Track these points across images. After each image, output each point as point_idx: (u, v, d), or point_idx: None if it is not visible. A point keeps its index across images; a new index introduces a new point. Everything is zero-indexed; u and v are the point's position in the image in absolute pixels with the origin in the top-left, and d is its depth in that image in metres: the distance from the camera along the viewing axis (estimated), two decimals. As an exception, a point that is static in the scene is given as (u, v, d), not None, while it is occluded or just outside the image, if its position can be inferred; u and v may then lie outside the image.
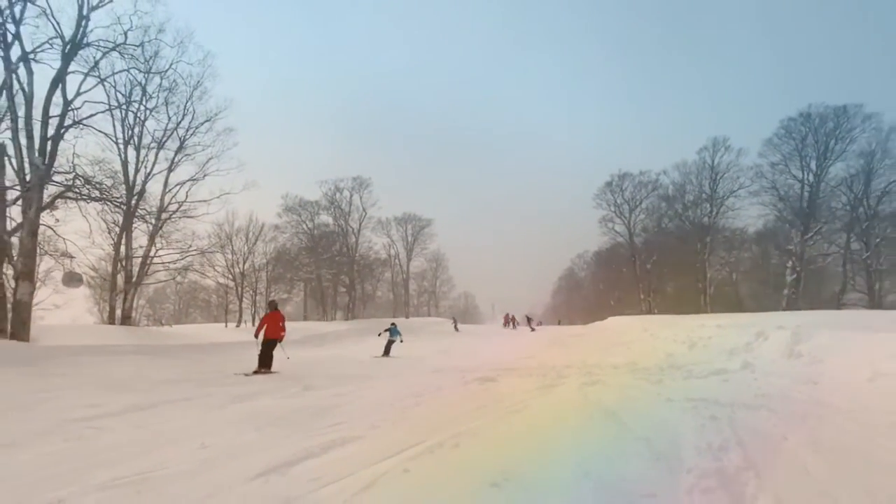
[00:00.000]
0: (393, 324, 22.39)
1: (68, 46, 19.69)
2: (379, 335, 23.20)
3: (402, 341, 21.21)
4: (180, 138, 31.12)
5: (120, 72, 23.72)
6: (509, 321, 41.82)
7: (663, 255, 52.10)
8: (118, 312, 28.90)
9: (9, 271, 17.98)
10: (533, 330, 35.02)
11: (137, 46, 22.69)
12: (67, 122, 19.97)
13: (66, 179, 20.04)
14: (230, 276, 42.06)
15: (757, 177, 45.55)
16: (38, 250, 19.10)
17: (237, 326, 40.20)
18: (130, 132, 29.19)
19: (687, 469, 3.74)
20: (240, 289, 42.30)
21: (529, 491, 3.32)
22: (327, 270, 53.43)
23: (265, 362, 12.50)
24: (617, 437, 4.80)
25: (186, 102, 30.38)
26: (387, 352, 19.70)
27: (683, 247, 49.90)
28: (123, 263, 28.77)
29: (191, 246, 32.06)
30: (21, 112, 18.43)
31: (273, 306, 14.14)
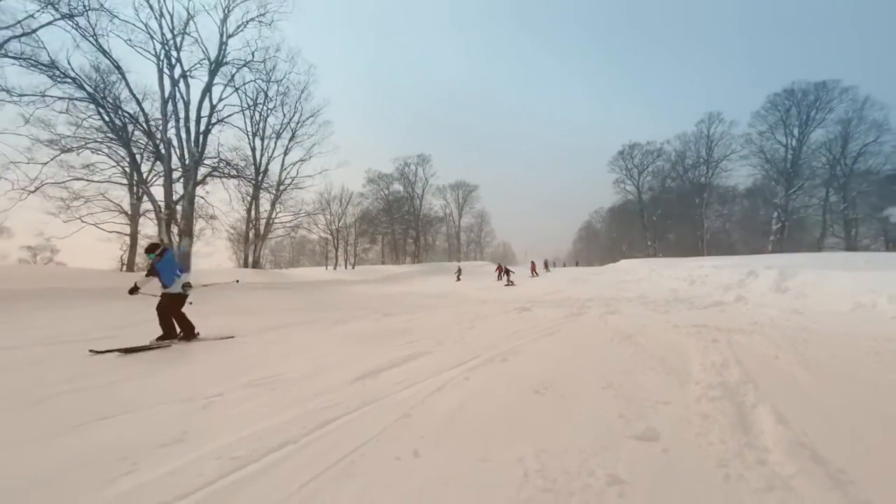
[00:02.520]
0: (459, 268, 26.69)
1: (213, 65, 20.81)
2: (458, 278, 25.55)
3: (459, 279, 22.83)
4: (292, 130, 32.27)
5: (249, 82, 24.85)
6: (502, 273, 26.11)
7: (667, 209, 50.62)
8: (250, 259, 30.50)
9: (174, 229, 19.05)
10: (535, 275, 29.08)
11: (261, 62, 23.75)
12: (213, 120, 21.10)
13: (213, 162, 21.36)
14: (328, 231, 43.27)
15: (746, 143, 44.24)
16: (194, 214, 20.13)
17: (334, 269, 41.57)
18: (257, 126, 30.54)
19: (695, 382, 3.54)
20: (335, 241, 43.51)
21: (563, 397, 3.24)
22: (399, 226, 55.05)
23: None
24: (634, 355, 4.61)
25: (296, 103, 31.39)
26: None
27: (684, 202, 48.52)
28: (253, 223, 30.52)
29: (300, 210, 33.50)
30: (181, 115, 19.69)
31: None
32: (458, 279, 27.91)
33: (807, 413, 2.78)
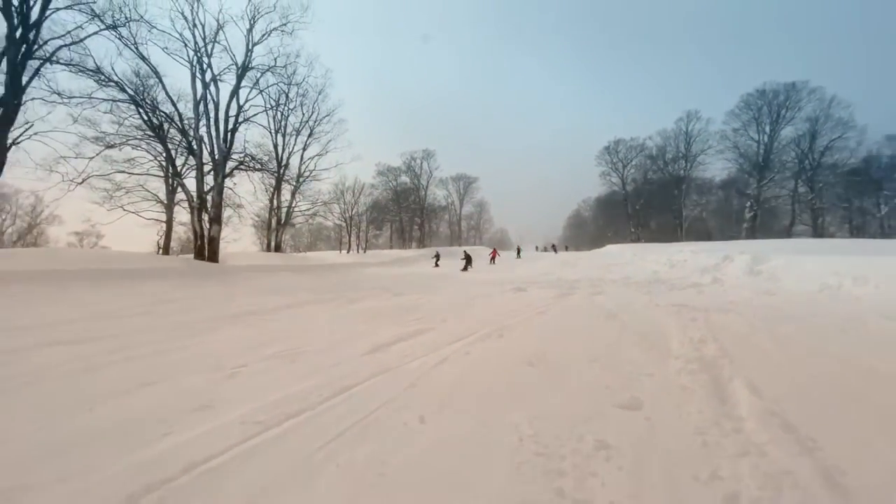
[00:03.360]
0: (465, 251, 24.57)
1: (240, 70, 20.89)
2: (465, 265, 22.76)
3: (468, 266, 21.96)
4: (310, 128, 32.42)
5: (272, 85, 24.70)
6: (495, 257, 27.64)
7: (648, 199, 50.41)
8: (272, 243, 30.67)
9: (205, 217, 19.10)
10: (493, 263, 26.15)
11: (283, 67, 23.72)
12: (240, 119, 21.06)
13: (239, 157, 21.29)
14: (343, 219, 43.21)
15: (722, 139, 44.06)
16: (223, 203, 20.23)
17: (347, 252, 41.65)
18: (279, 124, 30.64)
19: (675, 356, 3.51)
20: (349, 227, 43.46)
21: (554, 370, 3.21)
22: (406, 215, 54.99)
23: None
24: (618, 332, 4.58)
25: (314, 103, 31.63)
26: (466, 268, 20.99)
27: (664, 193, 48.33)
28: (275, 211, 30.71)
29: (318, 199, 33.80)
30: (212, 115, 19.81)
31: None
32: (437, 265, 24.83)
33: (778, 385, 2.75)
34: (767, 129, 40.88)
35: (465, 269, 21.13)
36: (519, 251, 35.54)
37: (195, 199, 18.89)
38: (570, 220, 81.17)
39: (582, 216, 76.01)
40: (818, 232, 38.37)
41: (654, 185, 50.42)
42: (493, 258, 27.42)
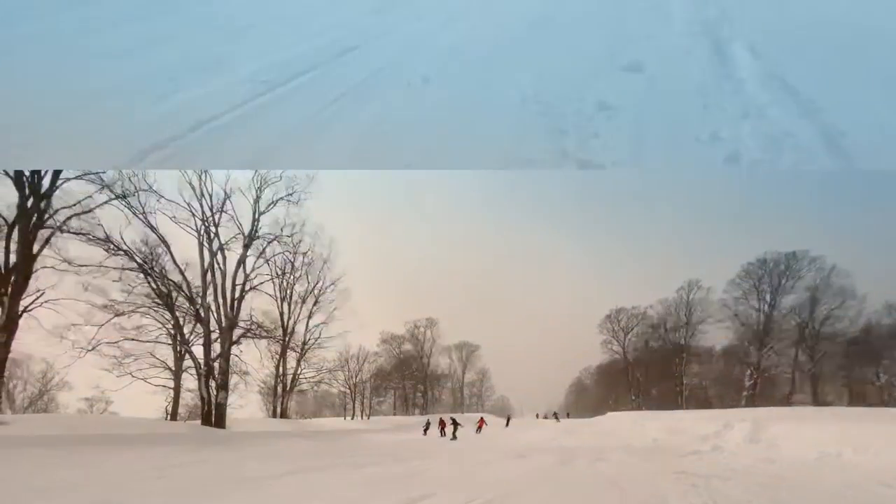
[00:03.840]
0: (452, 418, 20.58)
1: (246, 239, 20.51)
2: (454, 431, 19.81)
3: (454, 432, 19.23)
4: (315, 296, 31.44)
5: (278, 254, 24.19)
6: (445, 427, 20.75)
7: (649, 367, 48.44)
8: (278, 410, 28.73)
9: (212, 383, 18.26)
10: (557, 419, 25.15)
11: (289, 237, 23.43)
12: (246, 288, 20.65)
13: (246, 325, 20.66)
14: (347, 386, 41.38)
15: (722, 308, 41.94)
16: (229, 370, 19.29)
17: (351, 419, 38.58)
18: (284, 293, 29.83)
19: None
20: (353, 394, 41.36)
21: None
22: (409, 382, 52.56)
23: None
24: (619, 499, 4.38)
25: (319, 272, 30.63)
26: (454, 436, 18.28)
27: (665, 361, 46.52)
28: (281, 378, 29.18)
29: (323, 367, 32.28)
30: (219, 283, 19.36)
31: None
32: (425, 433, 21.76)
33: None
34: (768, 297, 39.36)
35: (452, 435, 18.60)
36: (508, 420, 31.89)
37: (202, 366, 18.14)
38: (571, 387, 76.96)
39: (583, 384, 72.32)
40: (818, 400, 36.09)
41: (656, 353, 48.72)
42: (479, 427, 23.54)
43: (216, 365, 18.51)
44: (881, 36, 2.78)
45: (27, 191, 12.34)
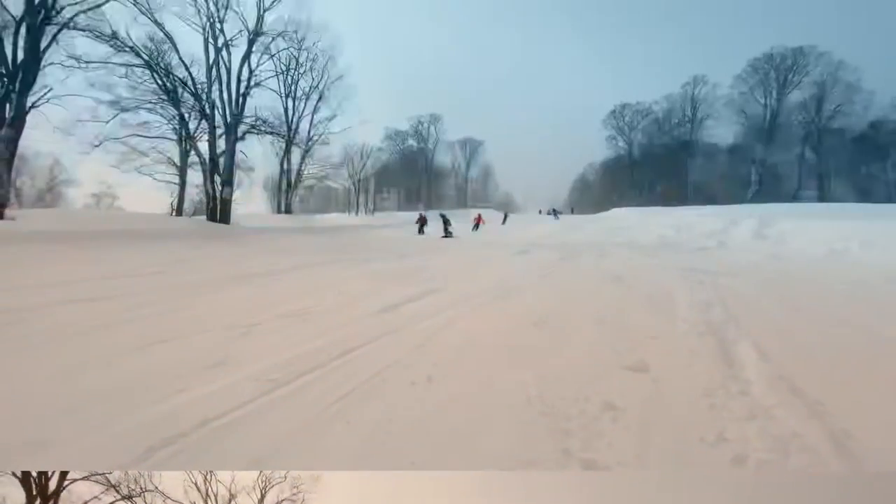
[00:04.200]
0: (442, 214, 20.28)
1: (251, 35, 20.95)
2: (445, 228, 18.95)
3: (445, 229, 18.46)
4: (320, 92, 32.36)
5: (282, 50, 24.87)
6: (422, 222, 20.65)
7: (654, 163, 49.44)
8: (282, 205, 30.83)
9: (217, 179, 19.16)
10: (556, 216, 23.97)
11: (294, 32, 24.06)
12: (251, 84, 21.28)
13: (251, 121, 21.45)
14: (351, 182, 42.99)
15: (728, 103, 43.07)
16: (235, 166, 20.30)
17: (356, 215, 41.69)
18: (289, 89, 31.00)
19: (682, 319, 3.45)
20: (357, 190, 43.32)
21: (560, 330, 3.18)
22: (413, 177, 54.50)
23: None
24: (624, 295, 4.52)
25: (323, 68, 31.60)
26: (447, 233, 17.98)
27: (670, 157, 47.43)
28: (286, 174, 31.06)
29: (327, 162, 34.25)
30: (224, 79, 20.09)
31: None
32: (421, 231, 19.88)
33: (787, 349, 2.69)
34: (774, 93, 39.95)
35: (445, 232, 18.16)
36: (505, 217, 30.80)
37: (208, 162, 19.01)
38: (575, 183, 79.65)
39: (587, 180, 74.47)
40: (824, 197, 37.65)
41: (660, 149, 49.32)
42: (476, 224, 22.35)
43: (221, 161, 19.43)
44: (892, 343, 2.79)
45: (34, -14, 12.30)
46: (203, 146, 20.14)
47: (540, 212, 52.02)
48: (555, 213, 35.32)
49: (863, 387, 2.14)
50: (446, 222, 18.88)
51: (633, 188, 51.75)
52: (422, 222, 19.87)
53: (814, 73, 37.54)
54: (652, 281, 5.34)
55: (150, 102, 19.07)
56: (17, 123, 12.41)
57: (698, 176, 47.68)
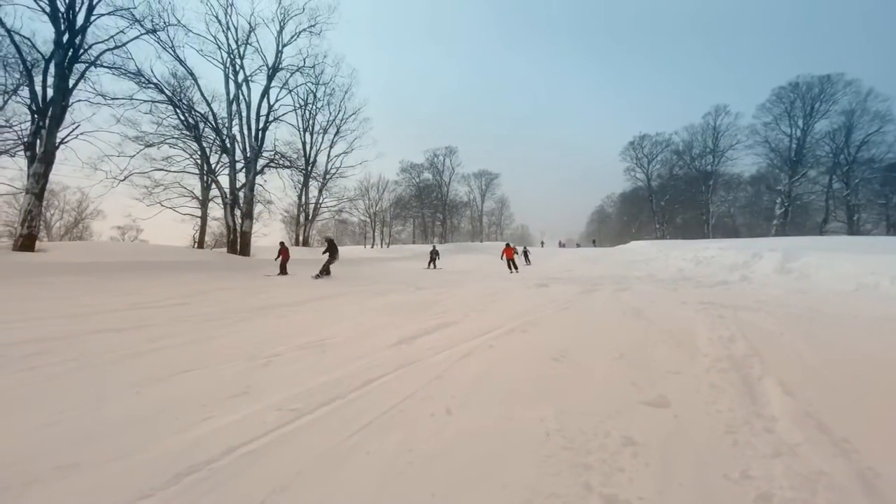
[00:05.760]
0: (435, 249, 20.39)
1: (270, 70, 21.75)
2: (431, 264, 19.12)
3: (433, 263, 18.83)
4: (337, 126, 33.56)
5: (300, 85, 25.87)
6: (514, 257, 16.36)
7: (674, 195, 48.96)
8: (300, 238, 31.57)
9: (237, 212, 19.80)
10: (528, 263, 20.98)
11: (311, 67, 24.57)
12: (270, 118, 21.95)
13: (270, 155, 22.27)
14: (367, 214, 43.87)
15: (752, 133, 41.95)
16: (254, 199, 20.96)
17: (371, 247, 42.23)
18: (307, 123, 32.07)
19: (703, 354, 3.42)
20: (373, 223, 44.08)
21: (579, 365, 3.18)
22: (428, 211, 55.43)
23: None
24: (644, 329, 4.48)
25: (340, 102, 32.85)
26: (432, 266, 18.34)
27: (691, 188, 46.81)
28: (303, 207, 31.99)
29: (343, 196, 34.82)
30: (244, 114, 20.82)
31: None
32: (433, 265, 18.85)
33: (812, 385, 2.64)
34: (800, 122, 38.89)
35: (429, 265, 18.13)
36: (526, 253, 23.77)
37: (228, 196, 19.74)
38: (593, 215, 79.68)
39: (605, 212, 74.54)
40: (853, 229, 36.48)
41: (681, 180, 48.98)
42: (511, 261, 16.02)
43: (241, 194, 20.12)
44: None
45: (63, 25, 13.36)
46: (224, 180, 20.96)
47: (560, 244, 51.89)
48: (561, 244, 34.89)
49: (891, 424, 2.10)
50: (433, 258, 19.34)
51: (653, 220, 51.34)
52: (433, 256, 19.47)
53: (842, 102, 36.77)
54: (672, 315, 5.28)
55: (173, 137, 20.12)
56: (47, 158, 13.06)
57: (720, 207, 47.14)
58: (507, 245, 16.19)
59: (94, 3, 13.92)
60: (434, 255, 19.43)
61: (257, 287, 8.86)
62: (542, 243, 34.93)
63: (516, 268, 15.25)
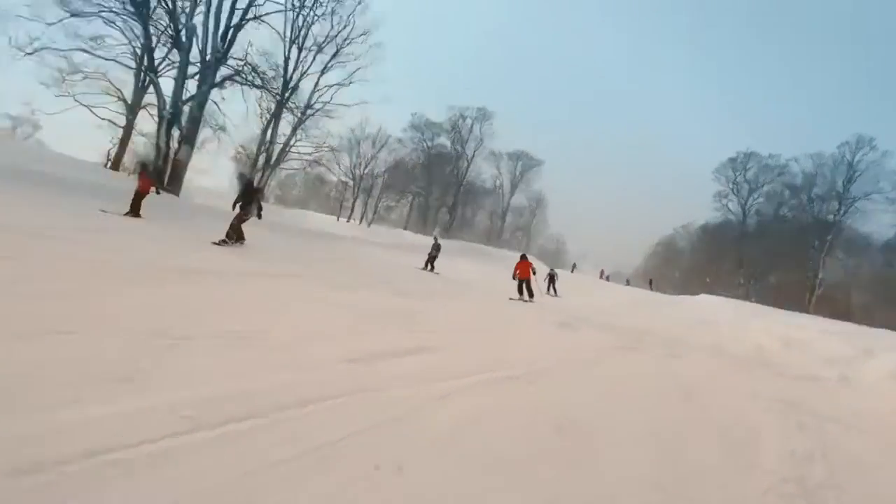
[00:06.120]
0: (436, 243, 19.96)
1: None
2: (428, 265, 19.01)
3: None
4: (337, 46, 32.28)
5: None
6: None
7: (774, 243, 48.25)
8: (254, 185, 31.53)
9: (175, 132, 19.64)
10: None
11: None
12: (249, 15, 21.50)
13: (237, 64, 22.00)
14: (351, 175, 43.77)
15: None
16: (202, 120, 20.66)
17: (346, 221, 42.18)
18: (297, 33, 30.69)
19: (765, 470, 3.40)
20: (356, 188, 44.09)
21: (588, 443, 3.19)
22: (437, 188, 54.91)
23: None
24: (690, 418, 4.47)
25: (349, 15, 31.24)
26: (429, 267, 18.32)
27: (799, 239, 46.07)
28: (267, 146, 31.11)
29: (325, 142, 33.90)
30: (213, 1, 20.01)
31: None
32: (431, 267, 18.89)
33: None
34: None
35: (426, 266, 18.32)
36: (552, 280, 21.29)
37: (167, 107, 19.43)
38: (657, 247, 79.45)
39: (676, 246, 74.33)
40: None
41: (788, 224, 48.52)
42: (524, 282, 15.18)
43: (186, 109, 19.91)
44: None
45: None
46: (167, 85, 20.35)
47: (604, 275, 50.31)
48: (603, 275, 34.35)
49: None
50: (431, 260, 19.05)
51: (738, 272, 51.09)
52: (431, 254, 19.14)
53: None
54: (733, 407, 5.28)
55: (111, 11, 19.11)
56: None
57: (834, 275, 46.63)
58: (523, 258, 15.33)
59: None
60: (434, 253, 19.11)
61: (183, 240, 8.91)
62: (574, 266, 34.74)
63: (531, 294, 14.59)
